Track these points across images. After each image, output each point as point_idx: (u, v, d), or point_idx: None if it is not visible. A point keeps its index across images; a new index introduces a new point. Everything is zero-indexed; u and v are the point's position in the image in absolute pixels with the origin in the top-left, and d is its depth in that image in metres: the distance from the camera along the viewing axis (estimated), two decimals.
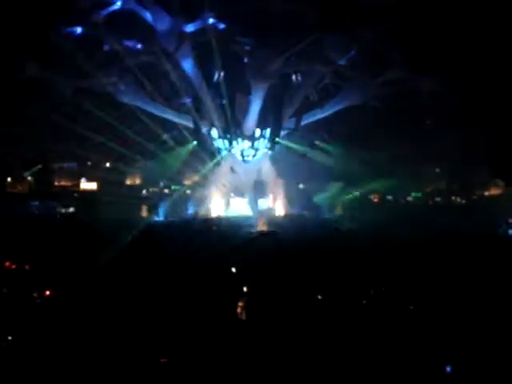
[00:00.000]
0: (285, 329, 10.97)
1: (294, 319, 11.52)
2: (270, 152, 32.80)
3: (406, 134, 32.02)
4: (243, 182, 32.93)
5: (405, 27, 26.19)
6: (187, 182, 39.73)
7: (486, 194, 37.35)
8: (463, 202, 35.83)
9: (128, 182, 39.91)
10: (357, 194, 34.72)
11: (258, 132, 31.92)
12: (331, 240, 21.75)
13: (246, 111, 31.56)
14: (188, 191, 37.90)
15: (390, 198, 35.44)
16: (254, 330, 11.37)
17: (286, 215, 32.67)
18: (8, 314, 12.83)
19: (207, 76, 31.29)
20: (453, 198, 36.91)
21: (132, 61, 30.28)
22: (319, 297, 13.04)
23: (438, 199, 37.64)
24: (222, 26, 29.34)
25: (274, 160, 33.23)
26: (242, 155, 32.34)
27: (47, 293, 14.91)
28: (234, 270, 16.52)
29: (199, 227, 26.49)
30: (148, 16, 29.30)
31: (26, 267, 18.06)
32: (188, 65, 30.50)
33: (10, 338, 11.00)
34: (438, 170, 38.21)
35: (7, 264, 18.08)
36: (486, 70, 27.81)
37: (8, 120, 33.81)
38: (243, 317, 12.36)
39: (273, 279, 14.27)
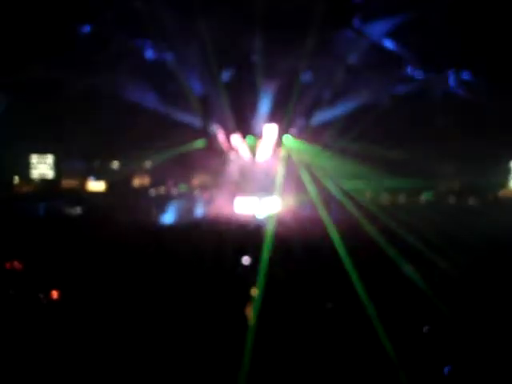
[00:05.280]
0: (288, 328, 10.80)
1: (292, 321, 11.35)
2: (278, 151, 32.64)
3: (419, 133, 31.71)
4: (252, 182, 32.83)
5: (420, 23, 25.94)
6: (195, 183, 39.62)
7: (500, 194, 36.80)
8: (478, 202, 35.38)
9: (136, 182, 39.80)
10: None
11: (267, 130, 31.87)
12: (333, 240, 21.45)
13: (254, 109, 31.43)
14: (196, 191, 37.81)
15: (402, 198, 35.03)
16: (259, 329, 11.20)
17: (294, 215, 32.42)
18: (14, 314, 12.76)
19: (215, 74, 31.32)
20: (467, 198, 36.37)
21: (140, 59, 30.50)
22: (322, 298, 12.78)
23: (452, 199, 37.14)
24: (231, 23, 29.27)
25: (283, 159, 33.03)
26: (251, 154, 32.34)
27: (54, 294, 14.89)
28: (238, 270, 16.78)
29: (207, 228, 26.34)
30: (156, 14, 29.27)
31: (33, 268, 17.98)
32: (196, 63, 30.48)
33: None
34: (450, 169, 37.75)
35: (14, 264, 18.03)
36: (502, 69, 27.43)
37: (16, 119, 33.80)
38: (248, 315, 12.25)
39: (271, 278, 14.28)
